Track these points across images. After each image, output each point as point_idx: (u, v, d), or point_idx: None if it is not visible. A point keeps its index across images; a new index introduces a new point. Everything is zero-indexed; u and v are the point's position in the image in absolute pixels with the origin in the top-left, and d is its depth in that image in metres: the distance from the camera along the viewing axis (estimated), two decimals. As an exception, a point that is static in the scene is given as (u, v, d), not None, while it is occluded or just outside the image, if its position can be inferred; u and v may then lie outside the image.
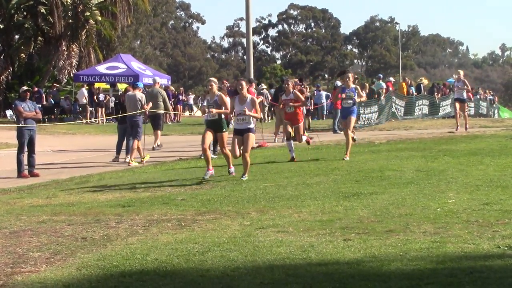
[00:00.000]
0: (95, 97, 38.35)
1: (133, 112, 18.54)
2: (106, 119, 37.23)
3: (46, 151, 21.92)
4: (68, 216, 10.04)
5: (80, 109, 38.89)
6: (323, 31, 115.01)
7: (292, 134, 16.68)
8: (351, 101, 16.15)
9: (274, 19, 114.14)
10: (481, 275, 5.99)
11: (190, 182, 13.42)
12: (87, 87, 39.38)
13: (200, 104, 21.01)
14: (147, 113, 19.86)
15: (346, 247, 7.18)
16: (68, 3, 44.64)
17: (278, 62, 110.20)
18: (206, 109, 13.42)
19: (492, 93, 52.73)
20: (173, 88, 44.34)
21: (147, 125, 20.41)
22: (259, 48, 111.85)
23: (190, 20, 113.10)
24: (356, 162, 15.13)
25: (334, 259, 6.77)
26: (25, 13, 47.38)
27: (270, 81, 57.74)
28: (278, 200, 10.55)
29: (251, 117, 13.46)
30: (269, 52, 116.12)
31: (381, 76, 38.64)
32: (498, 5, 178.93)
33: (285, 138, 17.18)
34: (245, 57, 62.10)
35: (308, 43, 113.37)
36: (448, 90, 37.29)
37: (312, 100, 35.57)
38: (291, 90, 16.72)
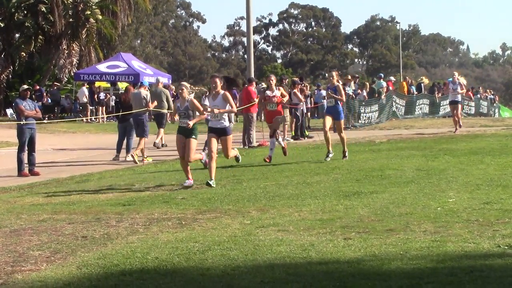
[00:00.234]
0: (95, 96, 38.36)
1: (139, 110, 18.58)
2: (107, 117, 37.23)
3: (46, 150, 21.92)
4: (68, 214, 10.05)
5: (81, 107, 38.90)
6: (324, 30, 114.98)
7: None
8: (333, 100, 15.62)
9: (274, 18, 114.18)
10: (481, 274, 5.99)
11: (190, 181, 13.40)
12: (87, 86, 39.39)
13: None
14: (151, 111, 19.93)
15: (347, 246, 7.18)
16: (69, 1, 44.67)
17: (279, 61, 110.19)
18: (176, 117, 12.88)
19: (492, 93, 52.68)
20: (174, 87, 44.30)
21: (151, 123, 20.46)
22: (259, 47, 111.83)
23: (190, 19, 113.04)
24: (356, 161, 15.13)
25: (335, 258, 6.77)
26: (25, 12, 47.38)
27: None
28: (278, 199, 10.55)
29: (226, 116, 12.92)
30: (269, 51, 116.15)
31: (382, 75, 38.65)
32: (498, 4, 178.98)
33: (269, 135, 16.73)
34: (245, 56, 62.13)
35: (309, 42, 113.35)
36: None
37: (312, 99, 35.57)
38: (275, 87, 16.36)
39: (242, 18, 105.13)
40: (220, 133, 12.93)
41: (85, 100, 38.37)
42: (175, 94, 42.76)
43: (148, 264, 6.82)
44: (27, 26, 46.29)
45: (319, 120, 36.02)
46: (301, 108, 24.38)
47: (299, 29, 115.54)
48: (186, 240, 7.81)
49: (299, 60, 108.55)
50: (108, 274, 6.56)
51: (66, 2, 44.43)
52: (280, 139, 16.76)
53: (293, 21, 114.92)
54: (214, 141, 12.85)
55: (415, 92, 36.05)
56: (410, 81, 39.23)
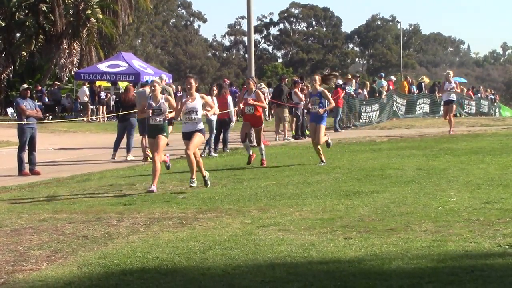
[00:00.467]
0: (96, 95, 38.36)
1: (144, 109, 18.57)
2: (107, 117, 37.22)
3: (47, 149, 21.92)
4: (69, 214, 10.05)
5: (81, 107, 38.88)
6: (325, 29, 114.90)
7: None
8: (317, 107, 14.67)
9: (275, 18, 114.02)
10: (482, 273, 5.99)
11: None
12: (88, 85, 39.37)
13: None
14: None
15: (347, 246, 7.18)
16: (70, 1, 44.64)
17: (280, 60, 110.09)
18: (150, 112, 12.32)
19: (493, 92, 52.62)
20: (174, 87, 44.31)
21: None
22: (260, 47, 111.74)
23: (191, 19, 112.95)
24: (357, 161, 15.13)
25: (335, 257, 6.77)
26: (26, 11, 47.36)
27: (269, 81, 57.76)
28: (279, 198, 10.56)
29: (200, 118, 12.09)
30: (270, 51, 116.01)
31: (383, 75, 38.66)
32: (499, 4, 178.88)
33: (241, 140, 15.83)
34: (246, 55, 62.13)
35: (310, 41, 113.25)
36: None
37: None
38: (253, 90, 15.46)
39: (242, 17, 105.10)
40: (192, 134, 12.06)
41: (85, 99, 38.35)
42: (174, 92, 42.97)
43: (148, 264, 6.82)
44: (28, 25, 46.27)
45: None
46: (302, 107, 24.38)
47: (300, 29, 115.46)
48: (186, 240, 7.81)
49: (300, 59, 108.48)
50: (108, 273, 6.56)
51: (67, 1, 44.41)
52: (248, 142, 15.65)
53: (294, 20, 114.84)
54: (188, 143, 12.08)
55: (416, 92, 36.03)
56: (411, 80, 39.21)
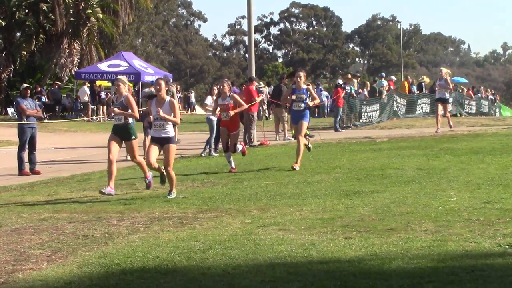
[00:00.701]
0: (96, 95, 38.37)
1: (144, 108, 18.63)
2: (107, 117, 37.21)
3: (47, 149, 21.93)
4: (69, 213, 10.06)
5: (82, 106, 38.90)
6: (325, 29, 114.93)
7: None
8: (302, 104, 14.37)
9: (275, 17, 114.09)
10: (482, 273, 5.98)
11: (191, 180, 13.41)
12: (88, 85, 39.40)
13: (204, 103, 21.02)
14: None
15: (347, 245, 7.18)
16: (70, 0, 44.63)
17: (280, 60, 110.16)
18: (112, 111, 11.95)
19: (493, 92, 52.64)
20: (178, 87, 44.41)
21: None
22: (260, 46, 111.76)
23: (191, 18, 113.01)
24: (357, 160, 15.13)
25: (335, 257, 6.77)
26: (26, 11, 47.34)
27: (268, 80, 57.82)
28: (279, 198, 10.56)
29: (170, 124, 11.46)
30: (270, 50, 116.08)
31: (383, 74, 38.67)
32: (499, 3, 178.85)
33: (223, 150, 15.15)
34: (246, 55, 62.10)
35: (310, 41, 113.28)
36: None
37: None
38: (228, 94, 14.60)
39: (243, 17, 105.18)
40: (164, 142, 11.48)
41: (86, 99, 38.38)
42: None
43: (149, 263, 6.82)
44: (28, 25, 46.25)
45: (319, 119, 36.01)
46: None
47: (300, 28, 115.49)
48: (187, 239, 7.81)
49: (300, 59, 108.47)
50: (109, 273, 6.56)
51: (67, 1, 44.38)
52: (232, 159, 14.85)
53: (294, 20, 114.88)
54: (155, 149, 11.55)
55: (416, 92, 36.03)
56: (411, 80, 39.21)
